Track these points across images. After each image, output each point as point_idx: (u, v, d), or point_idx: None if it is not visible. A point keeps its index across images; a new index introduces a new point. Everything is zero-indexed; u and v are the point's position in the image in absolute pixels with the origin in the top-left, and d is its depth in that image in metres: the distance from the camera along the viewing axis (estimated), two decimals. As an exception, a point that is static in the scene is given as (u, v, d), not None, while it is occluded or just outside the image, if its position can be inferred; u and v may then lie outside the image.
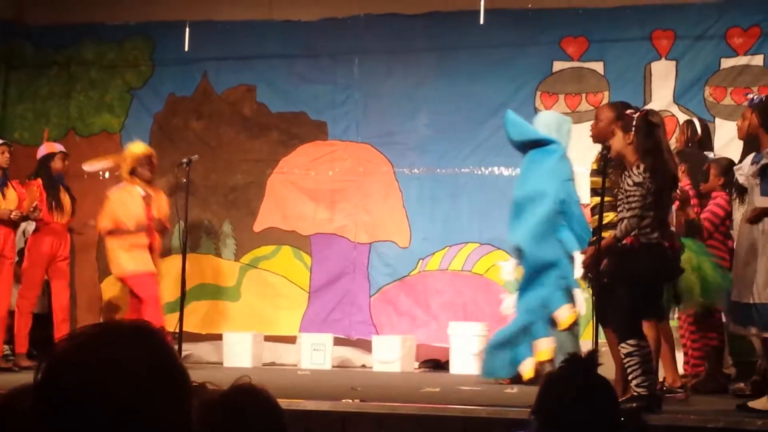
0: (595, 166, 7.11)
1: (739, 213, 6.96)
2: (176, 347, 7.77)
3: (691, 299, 7.21)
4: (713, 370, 7.77)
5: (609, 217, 6.54)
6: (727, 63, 9.67)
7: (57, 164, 9.48)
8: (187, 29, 10.82)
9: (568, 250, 7.98)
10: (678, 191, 6.97)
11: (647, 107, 7.36)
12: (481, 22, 10.11)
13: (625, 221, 6.14)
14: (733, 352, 8.02)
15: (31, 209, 9.14)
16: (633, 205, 6.14)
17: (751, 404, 6.21)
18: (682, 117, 9.10)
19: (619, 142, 6.28)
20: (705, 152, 8.18)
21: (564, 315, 7.96)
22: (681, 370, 8.22)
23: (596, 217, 6.62)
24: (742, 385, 7.41)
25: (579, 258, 7.22)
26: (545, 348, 7.96)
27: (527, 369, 8.00)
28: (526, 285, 8.09)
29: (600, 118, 6.79)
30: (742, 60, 9.62)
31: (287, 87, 10.79)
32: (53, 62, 11.30)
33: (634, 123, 6.24)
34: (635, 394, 6.05)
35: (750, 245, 6.38)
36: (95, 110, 11.20)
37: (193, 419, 2.04)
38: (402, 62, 10.54)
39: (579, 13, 10.08)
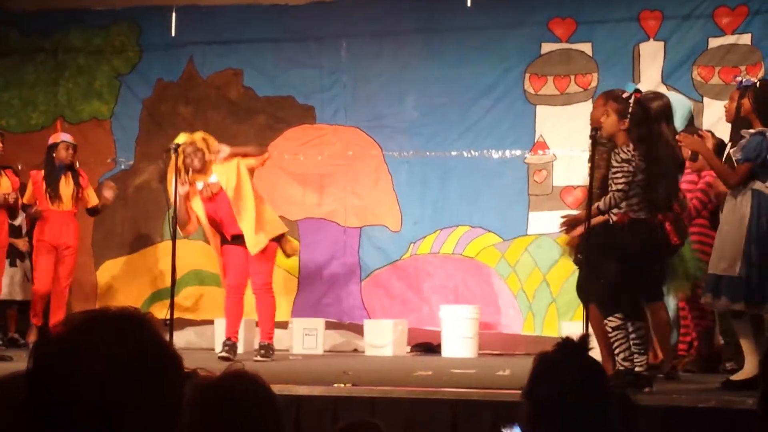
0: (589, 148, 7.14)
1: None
2: (168, 334, 7.76)
3: (680, 283, 7.27)
4: (704, 349, 7.79)
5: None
6: (714, 42, 9.67)
7: (61, 153, 9.50)
8: (174, 14, 10.77)
9: None
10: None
11: (648, 90, 7.34)
12: (469, 4, 10.08)
13: (609, 194, 6.18)
14: (724, 331, 8.03)
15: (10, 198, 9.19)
16: (619, 180, 6.17)
17: (734, 378, 6.28)
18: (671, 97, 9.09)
19: (613, 125, 6.28)
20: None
21: None
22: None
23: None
24: (732, 364, 7.43)
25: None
26: None
27: None
28: None
29: (595, 106, 6.93)
30: (729, 39, 9.62)
31: (274, 71, 10.75)
32: (40, 49, 11.24)
33: (630, 109, 6.25)
34: (621, 368, 6.08)
35: (731, 221, 6.44)
36: (84, 97, 11.15)
37: (186, 405, 2.04)
38: (390, 45, 10.51)
39: (567, -6, 10.07)
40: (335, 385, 6.40)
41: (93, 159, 10.83)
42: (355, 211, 10.42)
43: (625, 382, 5.91)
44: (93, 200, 9.73)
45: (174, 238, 8.21)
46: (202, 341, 10.30)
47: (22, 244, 9.98)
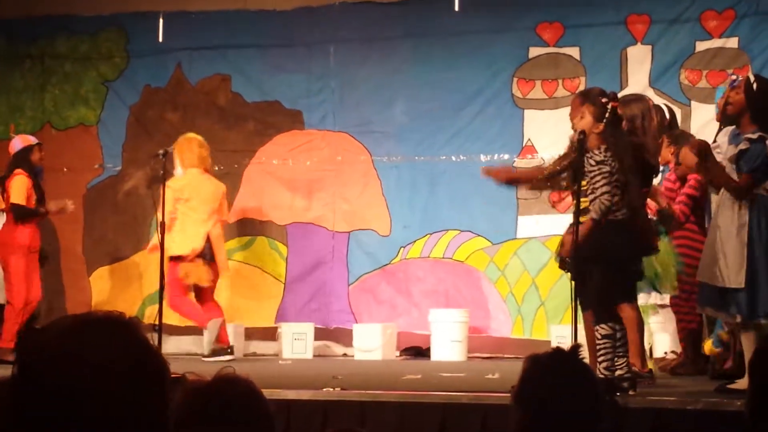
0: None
1: (715, 194, 6.95)
2: (156, 339, 7.75)
3: (662, 284, 7.29)
4: (692, 352, 7.80)
5: (585, 202, 6.56)
6: (702, 46, 9.70)
7: (35, 156, 9.47)
8: (161, 20, 10.77)
9: None
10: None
11: (621, 94, 7.36)
12: (456, 8, 10.10)
13: (597, 201, 6.18)
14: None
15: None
16: (599, 183, 6.18)
17: (731, 386, 6.23)
18: (658, 101, 9.09)
19: (587, 126, 6.28)
20: None
21: None
22: (658, 353, 8.28)
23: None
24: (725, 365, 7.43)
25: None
26: None
27: None
28: None
29: (573, 107, 6.91)
30: (716, 43, 9.65)
31: (262, 77, 10.76)
32: (26, 55, 11.22)
33: (606, 115, 6.25)
34: (601, 376, 6.07)
35: (727, 230, 6.37)
36: (71, 103, 11.14)
37: (175, 410, 2.04)
38: (377, 50, 10.52)
39: (554, -1, 10.09)
40: (324, 389, 6.40)
41: (80, 165, 10.83)
42: (343, 215, 10.43)
43: (610, 387, 5.91)
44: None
45: (162, 244, 8.21)
46: (190, 347, 10.28)
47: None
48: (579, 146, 6.40)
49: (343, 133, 10.52)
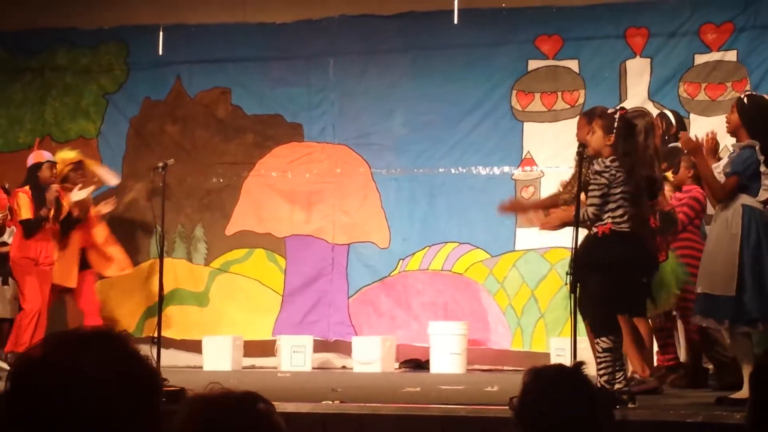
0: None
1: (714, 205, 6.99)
2: (156, 352, 7.74)
3: (668, 294, 7.29)
4: (693, 364, 7.79)
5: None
6: (700, 59, 9.72)
7: (44, 173, 9.47)
8: (161, 33, 10.79)
9: None
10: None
11: (629, 107, 7.40)
12: (456, 21, 10.13)
13: (583, 210, 6.22)
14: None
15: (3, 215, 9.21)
16: (593, 192, 6.20)
17: (733, 396, 6.24)
18: (658, 112, 9.12)
19: (599, 141, 6.32)
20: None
21: None
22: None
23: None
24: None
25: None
26: None
27: None
28: None
29: (578, 126, 7.04)
30: (715, 56, 9.68)
31: (262, 89, 10.77)
32: (27, 68, 11.24)
33: (615, 124, 6.29)
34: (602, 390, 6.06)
35: (721, 239, 6.42)
36: (71, 116, 11.15)
37: (177, 424, 2.05)
38: (377, 63, 10.54)
39: (553, 12, 10.11)
40: (324, 402, 6.40)
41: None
42: (343, 228, 10.43)
43: (610, 400, 5.90)
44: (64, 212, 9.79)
45: (161, 257, 8.21)
46: (187, 360, 10.27)
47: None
48: (579, 159, 6.42)
49: (343, 146, 10.54)
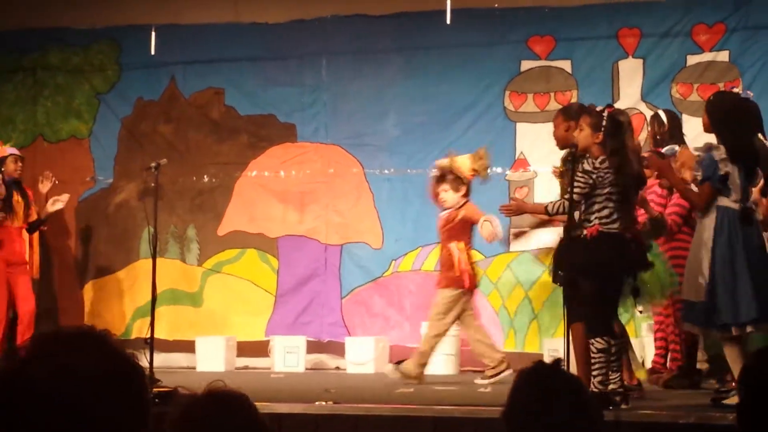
0: (560, 166, 7.25)
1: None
2: (148, 353, 7.74)
3: (652, 296, 7.30)
4: (686, 365, 7.79)
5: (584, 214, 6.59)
6: (692, 60, 9.74)
7: (9, 167, 9.44)
8: (153, 33, 10.78)
9: None
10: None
11: (614, 105, 7.43)
12: (448, 22, 10.12)
13: (560, 201, 6.25)
14: (707, 347, 8.05)
15: None
16: (574, 189, 6.21)
17: (727, 401, 6.22)
18: (650, 114, 9.13)
19: (587, 138, 6.34)
20: (673, 144, 8.20)
21: None
22: (649, 364, 8.27)
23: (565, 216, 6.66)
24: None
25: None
26: None
27: None
28: None
29: (555, 125, 7.12)
30: (707, 56, 9.69)
31: (255, 90, 10.76)
32: (18, 67, 11.21)
33: (603, 122, 6.31)
34: (595, 390, 6.07)
35: (695, 243, 6.43)
36: (63, 116, 11.13)
37: (168, 424, 2.06)
38: (370, 63, 10.54)
39: (546, 12, 10.11)
40: (317, 402, 6.40)
41: (71, 177, 10.82)
42: (336, 228, 10.43)
43: (603, 401, 5.91)
44: (34, 215, 9.71)
45: (154, 257, 8.21)
46: (179, 360, 10.27)
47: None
48: (572, 158, 6.42)
49: (336, 146, 10.53)
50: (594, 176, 6.20)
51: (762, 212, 7.05)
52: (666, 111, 8.60)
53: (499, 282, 9.92)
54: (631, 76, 9.84)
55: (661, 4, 9.84)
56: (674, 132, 8.33)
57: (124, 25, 10.93)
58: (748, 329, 6.16)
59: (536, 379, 2.73)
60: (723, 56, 9.66)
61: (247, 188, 10.68)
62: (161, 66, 10.89)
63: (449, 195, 8.41)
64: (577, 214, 6.29)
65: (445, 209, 8.45)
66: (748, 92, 7.00)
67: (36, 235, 9.96)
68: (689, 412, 5.93)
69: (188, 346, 10.19)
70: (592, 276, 6.20)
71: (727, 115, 6.40)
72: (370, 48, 10.50)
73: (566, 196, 6.28)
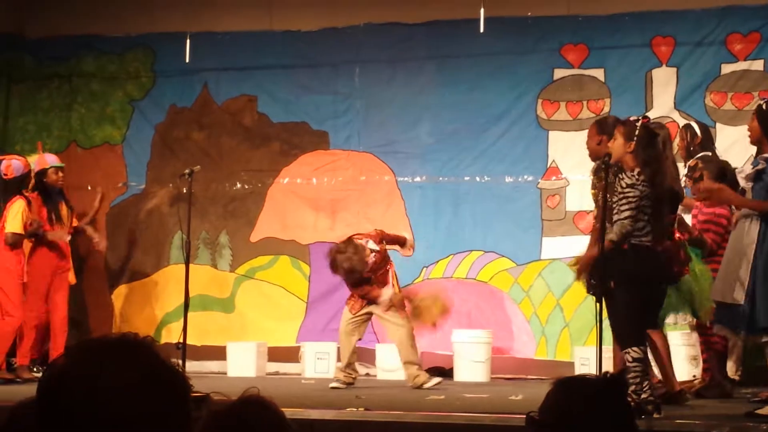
0: (592, 175, 7.24)
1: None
2: (180, 358, 7.78)
3: (687, 307, 7.27)
4: (717, 375, 7.76)
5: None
6: (727, 68, 9.69)
7: (51, 178, 9.52)
8: (188, 40, 10.84)
9: None
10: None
11: (654, 116, 7.41)
12: (481, 30, 10.12)
13: (619, 223, 6.19)
14: (744, 357, 8.01)
15: (29, 223, 9.22)
16: (625, 207, 6.18)
17: (760, 411, 6.19)
18: (683, 123, 9.10)
19: (620, 148, 6.34)
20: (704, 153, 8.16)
21: None
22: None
23: (598, 225, 6.65)
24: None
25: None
26: None
27: None
28: None
29: (588, 135, 7.11)
30: (742, 65, 9.64)
31: (288, 97, 10.80)
32: (54, 75, 11.31)
33: (636, 132, 6.29)
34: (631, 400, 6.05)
35: (737, 246, 6.38)
36: (96, 122, 11.21)
37: (199, 430, 2.06)
38: (403, 71, 10.55)
39: (579, 21, 10.10)
40: (348, 409, 6.41)
41: (104, 183, 10.89)
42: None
43: (636, 410, 5.89)
44: (75, 222, 9.81)
45: (187, 263, 8.25)
46: (209, 366, 10.30)
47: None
48: (606, 168, 6.41)
49: (368, 154, 10.55)
50: (640, 187, 6.19)
51: None
52: (698, 122, 8.57)
53: (531, 290, 9.90)
54: (664, 85, 9.80)
55: (695, 12, 9.80)
56: (706, 143, 8.30)
57: (159, 32, 11.01)
58: None
59: (581, 392, 2.69)
60: (758, 65, 9.61)
61: (279, 195, 10.71)
62: (195, 73, 10.95)
63: None
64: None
65: None
66: None
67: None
68: (723, 421, 5.89)
69: (219, 352, 10.22)
70: (626, 286, 6.18)
71: None
72: (402, 56, 10.52)
73: (622, 216, 6.18)
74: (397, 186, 10.45)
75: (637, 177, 6.22)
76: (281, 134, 10.78)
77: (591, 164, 7.51)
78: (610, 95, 9.94)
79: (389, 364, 9.69)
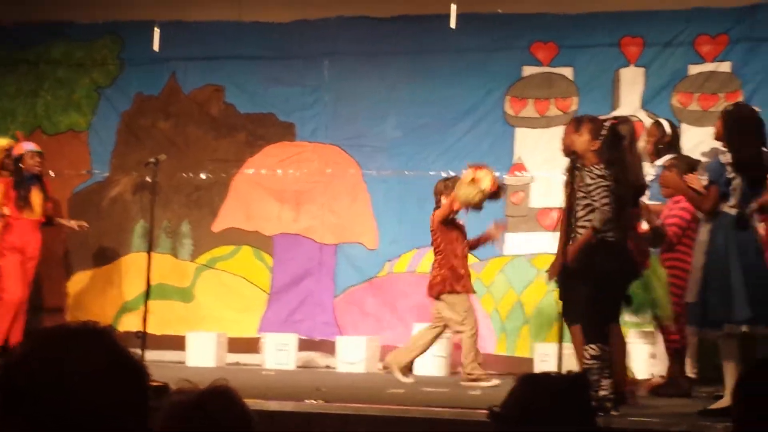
0: (567, 173, 7.26)
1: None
2: (140, 347, 7.73)
3: (645, 307, 7.31)
4: (675, 373, 7.78)
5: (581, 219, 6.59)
6: (694, 69, 9.74)
7: (27, 162, 9.50)
8: (156, 29, 10.77)
9: None
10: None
11: (617, 115, 7.44)
12: (452, 26, 10.12)
13: (600, 210, 6.21)
14: (700, 356, 8.05)
15: None
16: (600, 195, 6.21)
17: (712, 407, 6.24)
18: (649, 122, 9.13)
19: (584, 144, 6.36)
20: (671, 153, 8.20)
21: None
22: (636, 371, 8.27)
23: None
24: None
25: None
26: None
27: None
28: None
29: (565, 132, 7.12)
30: (709, 66, 9.69)
31: (256, 88, 10.76)
32: (23, 60, 11.22)
33: (602, 132, 6.32)
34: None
35: (698, 245, 6.48)
36: (62, 109, 11.13)
37: (159, 420, 2.05)
38: (372, 65, 10.53)
39: (549, 19, 10.12)
40: (308, 401, 6.40)
41: (68, 170, 10.82)
42: (331, 228, 10.42)
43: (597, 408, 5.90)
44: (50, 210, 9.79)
45: (150, 251, 8.20)
46: (168, 355, 10.24)
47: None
48: (572, 165, 6.43)
49: (334, 146, 10.53)
50: (608, 180, 6.22)
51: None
52: (668, 120, 8.62)
53: (492, 286, 9.91)
54: (631, 84, 9.84)
55: (664, 13, 9.84)
56: (674, 142, 8.36)
57: (128, 20, 10.93)
58: (743, 329, 6.19)
59: (546, 388, 2.70)
60: (725, 67, 9.66)
61: (243, 186, 10.67)
62: (162, 62, 10.88)
63: None
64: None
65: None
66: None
67: None
68: (680, 420, 5.93)
69: (178, 342, 10.16)
70: (589, 282, 6.21)
71: (741, 127, 6.46)
72: (373, 50, 10.50)
73: (598, 205, 6.21)
74: (363, 179, 10.43)
75: (605, 170, 6.26)
76: (247, 125, 10.74)
77: (558, 161, 7.53)
78: (578, 93, 9.96)
79: (350, 357, 9.69)
